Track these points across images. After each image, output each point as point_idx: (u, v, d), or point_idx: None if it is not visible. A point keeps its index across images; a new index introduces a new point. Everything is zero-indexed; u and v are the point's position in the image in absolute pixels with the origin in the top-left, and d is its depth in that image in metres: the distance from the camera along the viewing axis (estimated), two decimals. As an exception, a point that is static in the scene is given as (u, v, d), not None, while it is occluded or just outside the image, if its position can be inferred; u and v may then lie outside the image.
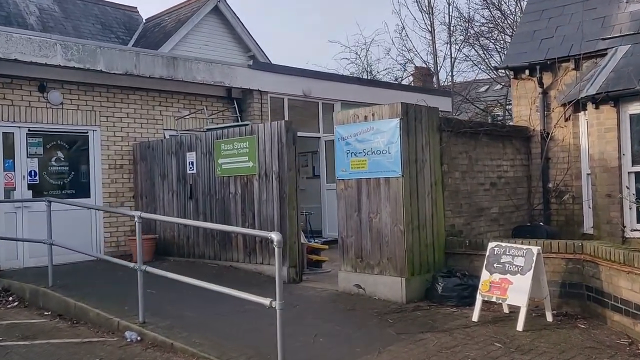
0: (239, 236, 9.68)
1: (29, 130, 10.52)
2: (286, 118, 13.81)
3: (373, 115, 7.78)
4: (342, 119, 8.17)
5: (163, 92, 12.25)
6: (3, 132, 10.23)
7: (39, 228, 10.19)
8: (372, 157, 7.75)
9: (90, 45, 10.75)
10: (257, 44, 19.40)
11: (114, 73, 11.02)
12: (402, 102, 7.61)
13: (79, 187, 11.21)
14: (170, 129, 12.20)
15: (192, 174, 10.55)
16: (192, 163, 10.52)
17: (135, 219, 6.63)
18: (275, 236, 5.12)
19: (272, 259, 8.89)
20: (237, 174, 9.70)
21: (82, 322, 7.24)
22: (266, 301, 5.23)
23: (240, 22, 18.84)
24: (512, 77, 10.76)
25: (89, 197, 11.22)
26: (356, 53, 36.70)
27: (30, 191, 10.49)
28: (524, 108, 10.43)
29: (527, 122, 10.32)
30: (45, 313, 7.79)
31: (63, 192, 10.98)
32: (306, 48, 55.94)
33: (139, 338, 6.32)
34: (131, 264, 6.76)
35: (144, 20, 20.22)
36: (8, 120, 10.23)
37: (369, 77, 24.44)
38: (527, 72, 10.32)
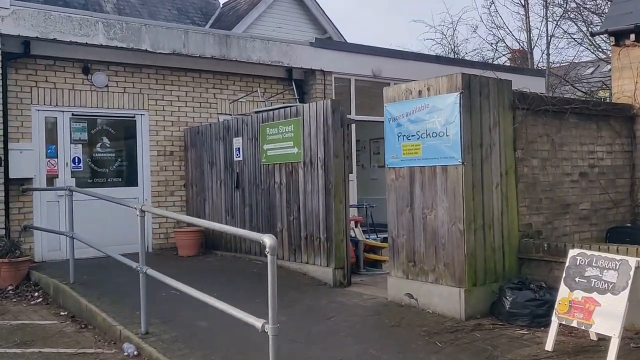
0: (284, 231, 8.61)
1: (72, 114, 9.98)
2: (353, 101, 12.60)
3: (428, 89, 6.41)
4: (392, 95, 6.85)
5: (217, 73, 11.39)
6: (46, 117, 9.74)
7: (82, 217, 9.67)
8: (426, 141, 6.39)
9: (134, 23, 10.03)
10: (333, 24, 18.26)
11: (160, 52, 10.26)
12: (462, 73, 6.18)
13: (126, 176, 10.59)
14: (225, 114, 11.33)
15: (239, 161, 9.59)
16: (239, 149, 9.57)
17: (137, 213, 5.70)
18: (268, 240, 3.97)
19: (318, 258, 7.80)
20: (282, 161, 8.61)
21: (90, 327, 6.45)
22: (258, 323, 4.09)
23: (316, 1, 17.77)
24: (612, 43, 8.90)
25: (136, 185, 10.58)
26: (442, 33, 34.55)
27: (74, 179, 9.95)
28: (627, 82, 8.56)
29: (631, 99, 8.45)
30: (62, 313, 7.10)
31: (109, 180, 10.39)
32: (387, 29, 53.76)
33: (136, 352, 5.40)
34: (134, 264, 5.84)
35: (221, 5, 19.61)
36: (51, 104, 9.72)
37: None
38: (632, 36, 8.44)
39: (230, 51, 10.96)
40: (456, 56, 23.46)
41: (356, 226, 9.65)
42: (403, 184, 6.71)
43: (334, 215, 7.73)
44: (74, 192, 7.98)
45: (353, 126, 12.37)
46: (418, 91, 6.52)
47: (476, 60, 22.19)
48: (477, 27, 35.53)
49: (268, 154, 8.85)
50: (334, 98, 12.26)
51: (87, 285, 7.49)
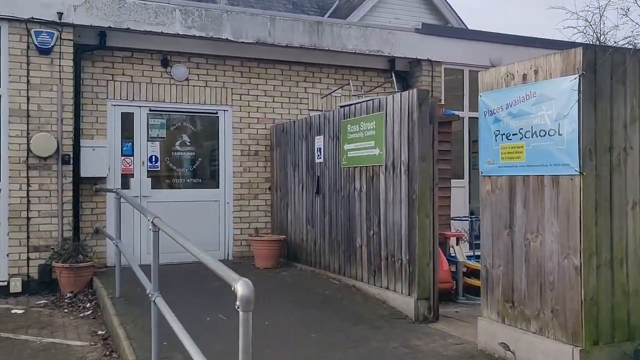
0: (363, 247, 7.25)
1: (150, 110, 9.32)
2: (466, 95, 10.90)
3: (535, 72, 4.74)
4: (489, 82, 5.24)
5: (309, 65, 10.25)
6: (122, 112, 9.16)
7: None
8: (531, 142, 4.74)
9: (215, 10, 9.16)
10: (457, 15, 16.51)
11: (243, 42, 9.30)
12: (584, 47, 4.44)
13: (207, 176, 9.78)
14: (317, 110, 10.15)
15: (320, 163, 8.36)
16: (320, 150, 8.33)
17: (150, 227, 4.64)
18: (240, 289, 2.66)
19: (398, 284, 6.36)
20: (362, 164, 7.26)
21: (115, 355, 5.53)
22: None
23: (437, -10, 16.17)
24: None
25: (218, 187, 9.73)
26: (585, 19, 30.82)
27: (150, 179, 9.29)
28: None
29: None
30: (99, 332, 6.28)
31: (187, 181, 9.63)
32: (520, 19, 49.57)
33: (137, 400, 4.34)
34: (149, 286, 4.77)
35: (339, -4, 18.53)
36: (127, 99, 9.12)
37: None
38: None
39: (322, 40, 9.77)
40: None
41: (457, 243, 8.05)
42: (500, 198, 5.08)
43: (418, 233, 6.24)
44: (121, 196, 7.15)
45: (466, 122, 10.70)
46: (522, 75, 4.86)
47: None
48: (628, 9, 31.28)
49: (348, 155, 7.53)
50: (442, 91, 10.66)
51: (132, 300, 6.64)
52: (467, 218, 9.07)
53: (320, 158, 8.30)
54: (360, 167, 7.28)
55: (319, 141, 8.35)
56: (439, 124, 6.80)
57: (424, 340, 5.54)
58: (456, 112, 9.10)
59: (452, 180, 8.70)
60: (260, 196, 9.95)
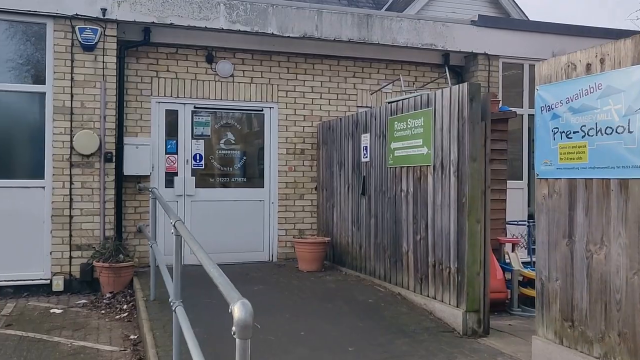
0: (409, 253, 6.79)
1: (194, 107, 9.13)
2: (526, 90, 10.23)
3: (602, 61, 4.17)
4: (547, 73, 4.69)
5: (358, 60, 9.84)
6: (166, 110, 9.00)
7: (203, 220, 8.87)
8: (596, 140, 4.18)
9: (260, 3, 8.86)
10: (518, 7, 15.71)
11: (289, 36, 8.97)
12: (659, 31, 3.85)
13: (251, 175, 9.52)
14: (366, 107, 9.74)
15: (366, 162, 7.94)
16: (366, 148, 7.91)
17: (172, 231, 4.35)
18: (237, 312, 2.30)
19: (446, 294, 5.88)
20: (409, 163, 6.79)
21: (141, 362, 5.31)
22: None
23: (498, -19, 15.40)
24: None
25: (263, 186, 9.45)
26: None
27: (194, 178, 9.11)
28: None
29: None
30: (132, 336, 6.09)
31: (232, 180, 9.39)
32: (589, 12, 47.27)
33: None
34: (172, 297, 4.46)
35: (394, -9, 18.02)
36: (171, 96, 8.96)
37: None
38: None
39: (371, 33, 9.33)
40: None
41: (513, 250, 7.47)
42: (559, 203, 4.54)
43: (468, 239, 5.73)
44: (155, 195, 6.94)
45: (525, 119, 10.04)
46: (586, 65, 4.31)
47: None
48: None
49: (395, 154, 7.08)
50: (500, 87, 10.03)
51: (166, 304, 6.38)
52: (524, 222, 8.44)
53: (367, 157, 7.88)
54: (407, 167, 6.82)
55: (365, 139, 7.93)
56: (493, 122, 6.29)
57: (470, 358, 5.04)
58: (514, 109, 8.48)
59: (508, 182, 8.11)
60: (306, 196, 9.62)
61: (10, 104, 7.95)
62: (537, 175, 4.76)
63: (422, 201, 6.51)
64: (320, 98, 9.70)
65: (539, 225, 4.73)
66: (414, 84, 9.95)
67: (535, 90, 4.75)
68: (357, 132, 8.21)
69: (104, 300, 7.43)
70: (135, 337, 6.02)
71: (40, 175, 7.97)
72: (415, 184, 6.65)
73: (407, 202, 6.82)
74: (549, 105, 4.58)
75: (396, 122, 7.04)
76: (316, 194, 9.61)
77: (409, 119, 6.73)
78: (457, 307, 5.83)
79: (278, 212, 9.44)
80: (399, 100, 7.10)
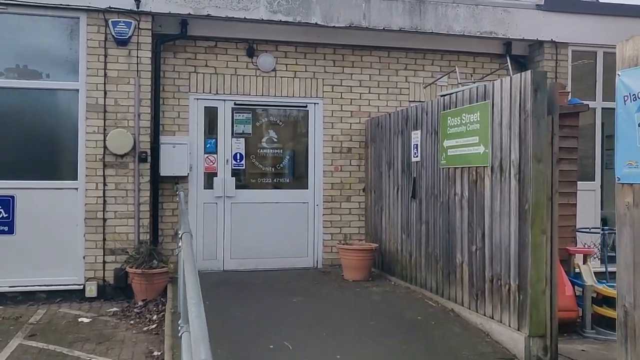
0: (464, 266, 6.02)
1: (235, 104, 8.62)
2: (599, 81, 9.23)
3: None
4: (632, 55, 3.86)
5: (410, 51, 9.09)
6: (205, 107, 8.53)
7: (243, 223, 8.40)
8: (696, 137, 3.34)
9: (302, -9, 8.25)
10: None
11: (334, 26, 8.33)
12: None
13: (295, 176, 8.94)
14: (420, 101, 8.97)
15: (416, 162, 7.21)
16: (417, 146, 7.18)
17: (178, 246, 3.78)
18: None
19: (505, 314, 5.10)
20: (463, 164, 6.03)
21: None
22: None
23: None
24: None
25: (307, 187, 8.86)
26: None
27: (234, 178, 8.60)
28: None
29: None
30: (155, 352, 5.60)
31: (275, 180, 8.84)
32: None
33: None
34: (190, 310, 3.89)
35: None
36: (210, 92, 8.48)
37: None
38: None
39: (424, 21, 8.57)
40: None
41: (585, 261, 6.58)
42: (646, 214, 3.71)
43: (532, 253, 4.94)
44: (179, 197, 6.45)
45: (598, 113, 9.05)
46: (682, 43, 3.46)
47: None
48: None
49: (448, 153, 6.32)
50: (569, 78, 9.07)
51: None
52: (597, 229, 7.50)
53: (417, 156, 7.15)
54: (462, 167, 6.05)
55: (415, 137, 7.20)
56: (562, 116, 5.46)
57: (535, 395, 4.27)
58: (585, 102, 7.53)
59: (579, 183, 7.19)
60: (353, 198, 8.95)
61: (43, 102, 7.65)
62: (618, 179, 3.94)
63: (478, 207, 5.73)
64: (369, 92, 9.00)
65: (621, 240, 3.91)
66: (471, 76, 9.11)
67: (616, 76, 3.93)
68: (407, 128, 7.48)
69: (135, 309, 7.01)
70: (159, 353, 5.53)
71: (74, 176, 7.64)
72: (470, 187, 5.88)
73: (461, 208, 6.05)
74: (634, 94, 3.76)
75: (449, 117, 6.28)
76: (364, 196, 8.93)
77: (464, 114, 5.96)
78: (519, 330, 5.05)
79: (323, 215, 8.82)
80: (453, 93, 6.33)
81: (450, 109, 6.29)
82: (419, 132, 7.09)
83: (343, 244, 8.05)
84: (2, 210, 7.47)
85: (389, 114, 8.15)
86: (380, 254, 8.21)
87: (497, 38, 8.94)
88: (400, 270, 7.64)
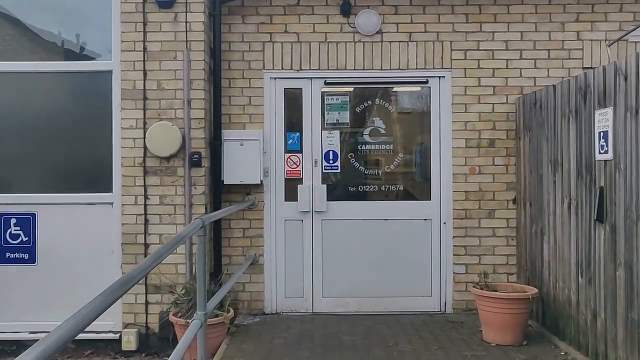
0: None
1: (325, 83, 6.23)
2: None
3: None
4: None
5: (583, -6, 6.11)
6: (285, 89, 6.24)
7: (338, 247, 6.08)
8: None
9: None
10: None
11: (464, -40, 5.61)
12: None
13: (411, 182, 6.35)
14: (596, 68, 5.93)
15: (605, 161, 4.29)
16: (605, 136, 4.26)
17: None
18: None
19: None
20: None
21: None
22: None
23: None
24: None
25: (429, 198, 6.23)
26: None
27: (325, 186, 6.22)
28: None
29: None
30: None
31: (382, 189, 6.31)
32: None
33: None
34: None
35: None
36: (292, 69, 6.17)
37: None
38: None
39: (608, -58, 5.54)
40: None
41: None
42: None
43: None
44: (204, 222, 4.15)
45: None
46: None
47: None
48: None
49: (675, 146, 3.38)
50: None
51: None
52: None
53: (606, 152, 4.24)
54: None
55: (602, 119, 4.29)
56: None
57: None
58: None
59: None
60: (499, 213, 6.16)
61: (66, 90, 5.82)
62: None
63: None
64: (520, 58, 6.16)
65: None
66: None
67: None
68: (585, 107, 4.58)
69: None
70: None
71: (107, 187, 5.73)
72: None
73: None
74: None
75: (677, 79, 3.34)
76: (515, 210, 6.10)
77: None
78: None
79: (454, 237, 6.14)
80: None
81: (678, 62, 3.36)
82: (609, 110, 4.18)
83: (481, 287, 5.29)
84: (20, 232, 5.73)
85: (553, 86, 5.25)
86: (540, 300, 5.38)
87: None
88: (575, 335, 4.77)
